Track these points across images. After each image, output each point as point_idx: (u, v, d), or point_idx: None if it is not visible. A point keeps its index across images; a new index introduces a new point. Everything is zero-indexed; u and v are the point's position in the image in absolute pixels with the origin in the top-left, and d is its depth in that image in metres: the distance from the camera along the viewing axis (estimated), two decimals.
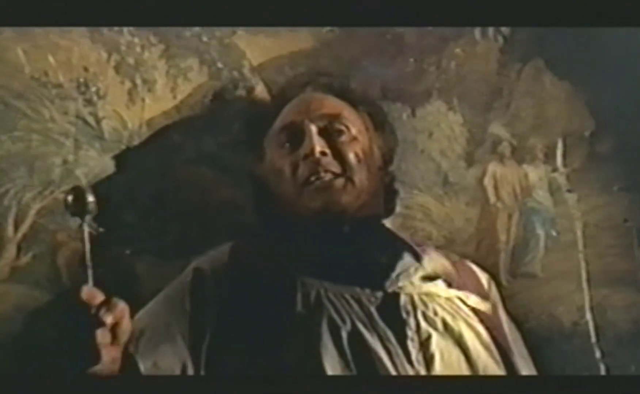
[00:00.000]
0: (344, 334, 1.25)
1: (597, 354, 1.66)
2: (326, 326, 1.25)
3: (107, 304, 1.09)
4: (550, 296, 1.68)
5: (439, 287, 1.37)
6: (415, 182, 1.70)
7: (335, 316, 1.27)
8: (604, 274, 1.69)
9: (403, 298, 1.32)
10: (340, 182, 1.40)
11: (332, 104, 1.49)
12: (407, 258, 1.39)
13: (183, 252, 1.46)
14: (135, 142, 1.59)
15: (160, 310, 1.34)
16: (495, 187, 1.72)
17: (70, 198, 1.14)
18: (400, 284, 1.33)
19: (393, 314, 1.29)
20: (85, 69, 1.57)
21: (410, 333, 1.28)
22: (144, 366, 1.22)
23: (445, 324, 1.32)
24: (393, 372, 1.23)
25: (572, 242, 1.72)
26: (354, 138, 1.45)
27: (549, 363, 1.53)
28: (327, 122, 1.45)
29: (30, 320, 1.47)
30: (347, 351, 1.23)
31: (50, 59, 1.55)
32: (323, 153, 1.41)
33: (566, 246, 1.71)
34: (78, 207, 1.14)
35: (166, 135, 1.61)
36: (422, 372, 1.26)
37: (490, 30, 1.73)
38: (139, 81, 1.60)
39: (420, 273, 1.37)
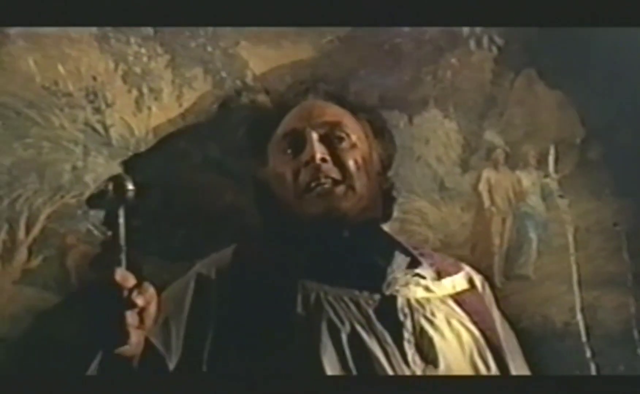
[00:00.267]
0: (343, 336, 1.26)
1: (588, 353, 1.66)
2: (326, 327, 1.27)
3: (138, 287, 1.12)
4: (543, 298, 1.69)
5: (433, 288, 1.38)
6: (412, 188, 1.71)
7: (334, 318, 1.28)
8: (594, 276, 1.69)
9: (400, 301, 1.33)
10: (340, 189, 1.42)
11: (333, 112, 1.51)
12: (404, 262, 1.41)
13: (188, 255, 1.48)
14: (142, 149, 1.61)
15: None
16: (490, 192, 1.72)
17: (110, 186, 1.14)
18: (397, 287, 1.35)
19: (390, 316, 1.31)
20: (94, 78, 1.60)
21: (406, 334, 1.30)
22: None
23: (441, 325, 1.33)
24: (390, 372, 1.24)
25: (564, 245, 1.71)
26: (354, 145, 1.47)
27: (541, 361, 1.54)
28: (328, 129, 1.46)
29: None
30: (347, 351, 1.25)
31: (60, 68, 1.58)
32: (323, 160, 1.42)
33: (558, 250, 1.71)
34: (118, 195, 1.14)
35: (172, 141, 1.62)
36: (418, 372, 1.27)
37: (485, 40, 1.73)
38: (145, 90, 1.62)
39: (417, 277, 1.38)
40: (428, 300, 1.37)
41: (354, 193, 1.43)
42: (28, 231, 1.53)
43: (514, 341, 1.49)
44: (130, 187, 1.15)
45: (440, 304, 1.38)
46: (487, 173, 1.74)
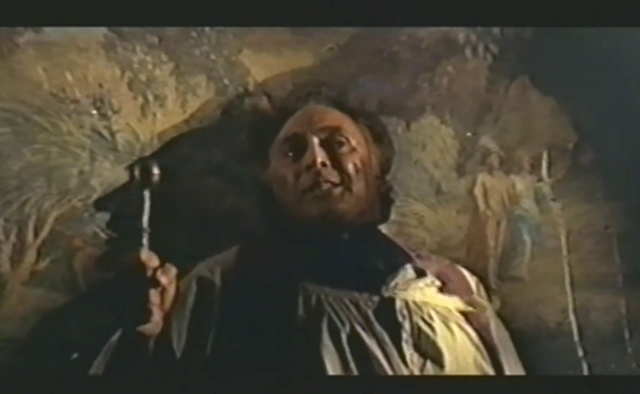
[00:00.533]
0: (344, 336, 1.28)
1: (580, 352, 1.66)
2: (326, 328, 1.29)
3: (162, 267, 1.16)
4: (536, 298, 1.68)
5: (431, 294, 1.40)
6: (409, 191, 1.71)
7: (335, 319, 1.30)
8: (586, 277, 1.69)
9: (398, 303, 1.35)
10: (338, 190, 1.44)
11: (334, 117, 1.54)
12: (402, 264, 1.42)
13: (191, 257, 1.47)
14: (147, 154, 1.62)
15: None
16: (485, 196, 1.73)
17: (137, 170, 1.19)
18: (395, 289, 1.37)
19: (389, 317, 1.33)
20: (100, 86, 1.61)
21: (405, 335, 1.32)
22: None
23: (438, 326, 1.35)
24: (389, 371, 1.26)
25: (557, 248, 1.71)
26: (354, 149, 1.49)
27: (535, 360, 1.55)
28: (328, 134, 1.49)
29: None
30: (347, 352, 1.27)
31: (68, 76, 1.59)
32: (324, 164, 1.45)
33: (551, 252, 1.71)
34: (145, 178, 1.19)
35: (176, 147, 1.64)
36: (416, 372, 1.29)
37: (480, 48, 1.73)
38: (150, 97, 1.63)
39: (414, 279, 1.40)
40: (425, 303, 1.39)
41: (351, 195, 1.45)
42: (36, 234, 1.54)
43: (508, 341, 1.50)
44: (156, 171, 1.20)
45: (437, 306, 1.40)
46: (482, 178, 1.74)
